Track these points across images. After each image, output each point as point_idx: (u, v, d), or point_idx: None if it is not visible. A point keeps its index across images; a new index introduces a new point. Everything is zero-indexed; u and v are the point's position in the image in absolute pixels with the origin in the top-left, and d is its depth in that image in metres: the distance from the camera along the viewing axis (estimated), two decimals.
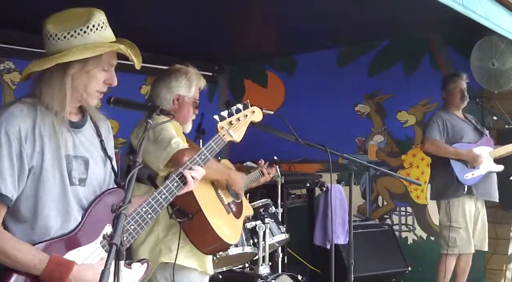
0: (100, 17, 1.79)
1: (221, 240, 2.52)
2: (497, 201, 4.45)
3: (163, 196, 1.92)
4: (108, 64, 1.81)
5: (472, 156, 4.27)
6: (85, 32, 1.75)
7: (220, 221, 2.59)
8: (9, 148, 1.68)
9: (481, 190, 4.34)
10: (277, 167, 3.70)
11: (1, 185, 1.67)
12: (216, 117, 2.21)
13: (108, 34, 1.80)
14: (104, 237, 1.78)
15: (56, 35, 1.76)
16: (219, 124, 2.20)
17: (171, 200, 1.96)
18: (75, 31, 1.75)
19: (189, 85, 2.78)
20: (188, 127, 2.85)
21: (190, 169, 2.02)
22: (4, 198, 1.68)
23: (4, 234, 1.69)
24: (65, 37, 1.75)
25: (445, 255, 4.35)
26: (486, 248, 4.50)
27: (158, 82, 2.84)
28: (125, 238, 1.78)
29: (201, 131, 5.07)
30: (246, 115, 2.29)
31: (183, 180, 1.99)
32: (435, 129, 4.32)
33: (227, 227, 2.64)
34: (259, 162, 3.53)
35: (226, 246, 2.75)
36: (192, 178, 2.00)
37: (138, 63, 1.84)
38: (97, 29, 1.76)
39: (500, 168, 4.42)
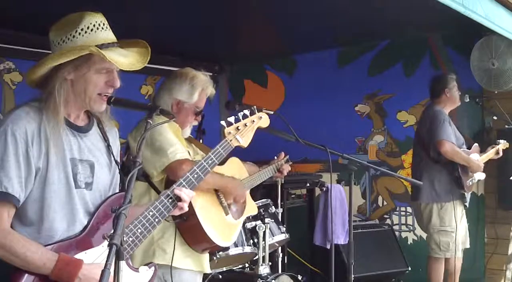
0: (91, 20, 1.79)
1: (212, 242, 2.53)
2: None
3: (170, 201, 1.92)
4: (101, 67, 1.80)
5: (478, 164, 4.28)
6: (73, 36, 1.77)
7: (214, 223, 2.59)
8: (16, 148, 1.69)
9: (467, 195, 4.35)
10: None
11: (7, 185, 1.67)
12: (223, 122, 2.20)
13: (100, 36, 1.80)
14: (104, 237, 1.79)
15: (53, 42, 1.81)
16: (226, 130, 2.19)
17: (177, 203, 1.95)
18: (65, 37, 1.78)
19: (191, 92, 2.72)
20: (186, 132, 2.81)
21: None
22: (11, 197, 1.68)
23: (13, 234, 1.70)
24: (59, 43, 1.79)
25: (437, 259, 4.35)
26: (468, 245, 4.49)
27: (163, 83, 2.82)
28: (131, 242, 1.80)
29: (201, 132, 5.07)
30: (253, 121, 2.30)
31: (191, 185, 2.00)
32: (450, 132, 4.18)
33: (221, 229, 2.64)
34: (280, 154, 3.38)
35: (219, 248, 2.76)
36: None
37: (127, 65, 1.82)
38: (86, 32, 1.77)
39: (483, 176, 4.43)
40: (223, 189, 2.72)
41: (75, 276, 1.68)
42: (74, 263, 1.70)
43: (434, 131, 4.21)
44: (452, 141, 4.16)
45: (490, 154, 4.48)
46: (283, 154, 3.36)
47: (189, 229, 2.52)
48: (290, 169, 3.42)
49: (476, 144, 4.49)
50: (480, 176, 4.40)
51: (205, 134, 5.05)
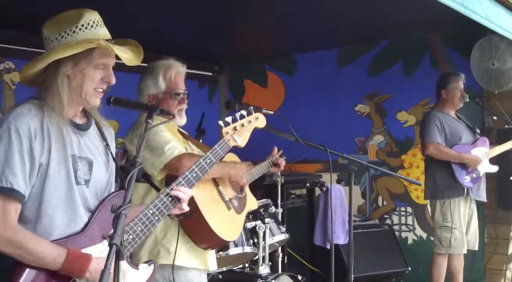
0: (90, 17, 1.81)
1: (219, 237, 2.53)
2: (486, 201, 4.48)
3: (169, 199, 1.92)
4: (100, 62, 1.82)
5: (474, 159, 4.29)
6: (74, 32, 1.78)
7: (219, 218, 2.59)
8: (20, 144, 1.70)
9: (475, 190, 4.36)
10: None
11: (13, 181, 1.68)
12: (220, 122, 2.21)
13: (100, 32, 1.81)
14: (104, 237, 1.79)
15: (49, 38, 1.81)
16: (224, 130, 2.21)
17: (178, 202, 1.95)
18: (65, 32, 1.78)
19: (154, 81, 2.68)
20: (178, 120, 2.74)
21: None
22: (17, 193, 1.69)
23: (22, 230, 1.70)
24: (56, 38, 1.79)
25: (439, 255, 4.38)
26: (477, 248, 4.52)
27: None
28: (132, 239, 1.81)
29: (202, 131, 5.08)
30: (250, 121, 2.31)
31: (190, 184, 2.01)
32: (436, 132, 4.30)
33: (226, 224, 2.64)
34: (273, 149, 3.30)
35: (225, 243, 2.75)
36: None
37: (129, 60, 1.84)
38: (86, 28, 1.78)
39: (495, 168, 4.44)
40: (226, 175, 2.71)
41: (85, 269, 1.70)
42: (84, 257, 1.72)
43: (422, 134, 4.44)
44: (436, 141, 4.27)
45: (505, 145, 4.48)
46: (276, 149, 3.34)
47: (193, 226, 2.51)
48: (285, 163, 3.38)
49: (483, 137, 4.51)
50: (487, 168, 4.39)
51: (205, 134, 5.08)
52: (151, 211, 1.86)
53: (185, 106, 2.76)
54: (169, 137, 2.56)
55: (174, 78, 2.71)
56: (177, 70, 2.73)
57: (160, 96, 2.69)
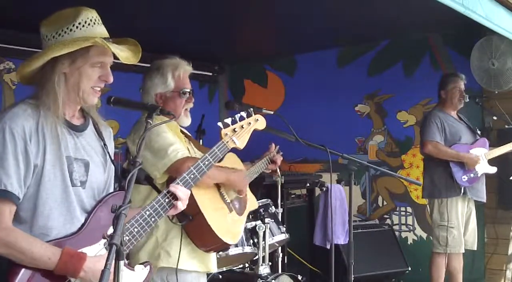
0: (88, 15, 1.80)
1: (221, 240, 2.51)
2: (485, 201, 4.48)
3: (167, 200, 1.91)
4: (97, 61, 1.81)
5: (472, 158, 4.29)
6: (71, 30, 1.77)
7: (221, 221, 2.58)
8: (14, 146, 1.69)
9: (473, 190, 4.36)
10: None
11: (7, 183, 1.67)
12: (219, 124, 2.20)
13: (97, 30, 1.80)
14: (104, 237, 1.79)
15: (47, 36, 1.80)
16: (223, 131, 2.19)
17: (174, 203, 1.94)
18: (62, 30, 1.78)
19: (163, 80, 2.66)
20: (184, 120, 2.73)
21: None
22: (11, 195, 1.68)
23: (16, 231, 1.69)
24: (53, 36, 1.79)
25: (438, 254, 4.38)
26: (475, 248, 4.52)
27: (141, 86, 2.77)
28: (128, 240, 1.80)
29: (202, 132, 5.08)
30: (250, 123, 2.30)
31: (188, 185, 2.00)
32: (435, 131, 4.32)
33: (228, 227, 2.63)
34: (270, 145, 3.26)
35: (227, 246, 2.75)
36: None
37: (126, 58, 1.84)
38: (83, 26, 1.78)
39: (494, 169, 4.44)
40: (226, 181, 2.68)
41: (80, 268, 1.69)
42: (79, 256, 1.71)
43: (421, 133, 4.47)
44: (435, 140, 4.29)
45: (504, 147, 4.48)
46: (273, 145, 3.30)
47: (196, 229, 2.49)
48: (282, 158, 3.34)
49: (483, 139, 4.52)
50: (485, 169, 4.39)
51: (205, 134, 5.08)
52: (147, 212, 1.85)
53: (191, 105, 2.74)
54: (172, 139, 2.53)
55: (182, 76, 2.70)
56: (185, 69, 2.71)
57: (168, 95, 2.66)
